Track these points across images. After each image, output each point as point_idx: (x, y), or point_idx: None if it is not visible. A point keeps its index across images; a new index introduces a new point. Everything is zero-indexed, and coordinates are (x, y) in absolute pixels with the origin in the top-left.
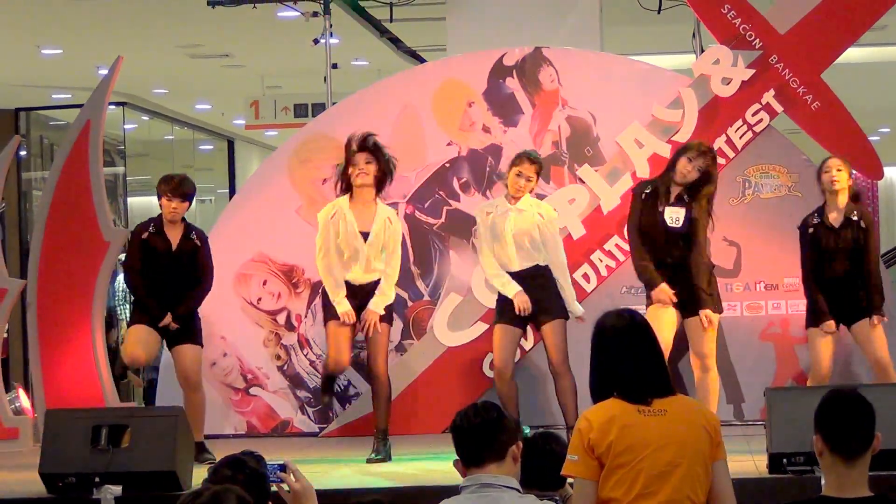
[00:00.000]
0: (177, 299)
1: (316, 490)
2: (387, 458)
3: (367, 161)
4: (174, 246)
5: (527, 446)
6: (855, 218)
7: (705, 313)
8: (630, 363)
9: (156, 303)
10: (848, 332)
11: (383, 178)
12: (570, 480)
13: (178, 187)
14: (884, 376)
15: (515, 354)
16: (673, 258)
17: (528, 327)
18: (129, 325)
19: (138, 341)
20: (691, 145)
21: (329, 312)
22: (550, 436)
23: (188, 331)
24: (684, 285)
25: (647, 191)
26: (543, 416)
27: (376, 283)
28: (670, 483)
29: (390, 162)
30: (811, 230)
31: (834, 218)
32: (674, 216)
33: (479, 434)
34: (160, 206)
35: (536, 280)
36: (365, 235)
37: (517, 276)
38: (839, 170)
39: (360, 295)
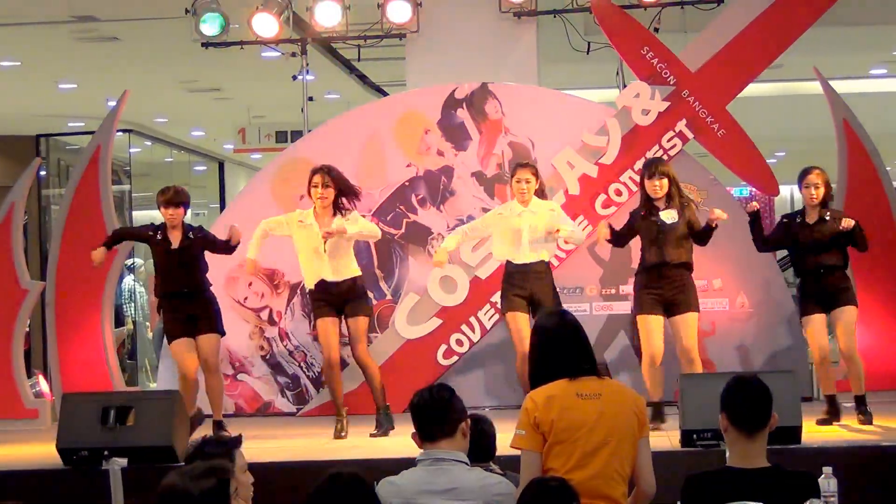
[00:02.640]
0: (188, 291)
1: (295, 462)
2: (387, 431)
3: (326, 185)
4: (175, 245)
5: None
6: (828, 218)
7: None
8: (562, 352)
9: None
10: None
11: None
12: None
13: (174, 197)
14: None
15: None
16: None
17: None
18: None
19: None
20: (646, 167)
21: (316, 312)
22: (479, 417)
23: (208, 320)
24: (674, 286)
25: (641, 212)
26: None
27: (352, 280)
28: (601, 458)
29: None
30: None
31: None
32: (669, 216)
33: (433, 412)
34: (162, 214)
35: (539, 272)
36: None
37: (523, 267)
38: (817, 187)
39: (335, 292)
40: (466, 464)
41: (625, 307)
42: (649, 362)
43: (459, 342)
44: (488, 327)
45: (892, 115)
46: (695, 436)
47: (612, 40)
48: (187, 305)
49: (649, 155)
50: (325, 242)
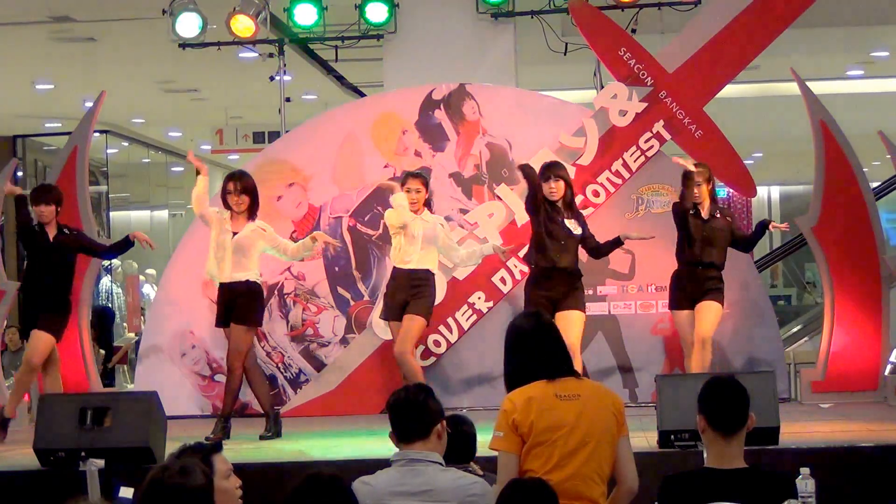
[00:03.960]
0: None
1: (271, 463)
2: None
3: (239, 191)
4: (51, 238)
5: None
6: (718, 215)
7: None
8: (539, 354)
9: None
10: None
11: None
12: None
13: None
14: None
15: None
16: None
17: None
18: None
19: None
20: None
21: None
22: (459, 418)
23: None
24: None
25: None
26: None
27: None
28: (579, 458)
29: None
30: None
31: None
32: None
33: (407, 412)
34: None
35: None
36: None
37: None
38: (699, 185)
39: (227, 294)
40: (441, 464)
41: (602, 308)
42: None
43: (437, 343)
44: (466, 328)
45: (868, 116)
46: (672, 437)
47: (590, 41)
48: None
49: (626, 156)
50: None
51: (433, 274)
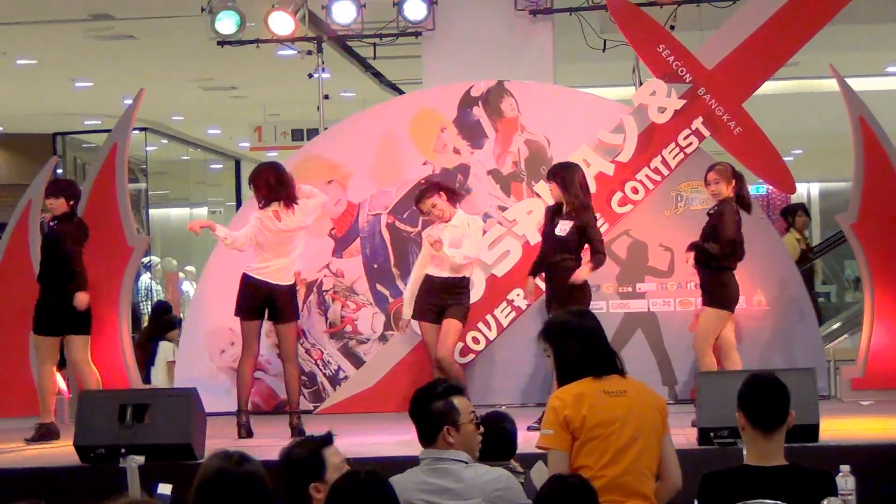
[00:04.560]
0: None
1: None
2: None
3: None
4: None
5: (483, 425)
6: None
7: None
8: (585, 351)
9: None
10: None
11: None
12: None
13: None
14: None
15: None
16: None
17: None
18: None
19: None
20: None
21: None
22: (500, 415)
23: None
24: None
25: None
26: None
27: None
28: (632, 454)
29: None
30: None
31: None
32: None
33: (414, 417)
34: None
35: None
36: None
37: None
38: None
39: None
40: (465, 462)
41: (641, 305)
42: None
43: (476, 340)
44: (505, 325)
45: None
46: (712, 434)
47: (628, 38)
48: None
49: (665, 153)
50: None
51: (469, 279)
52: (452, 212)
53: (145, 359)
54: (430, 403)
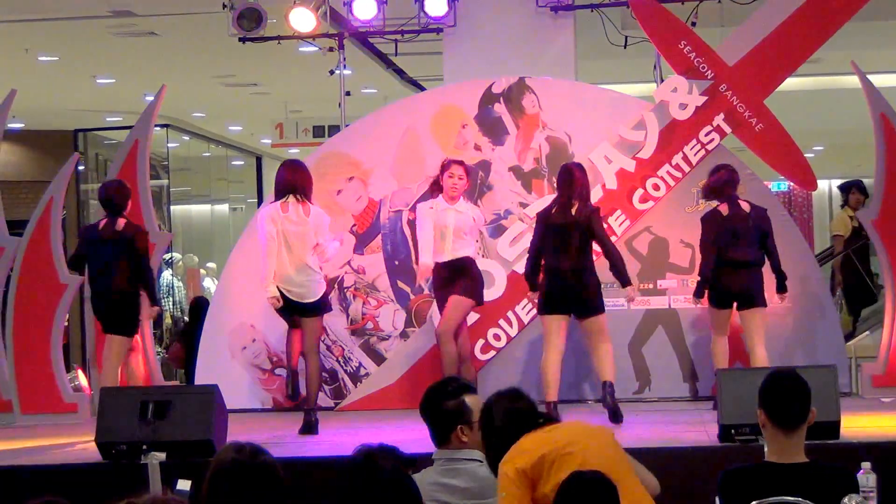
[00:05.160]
0: None
1: (337, 456)
2: None
3: None
4: None
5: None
6: None
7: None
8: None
9: None
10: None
11: None
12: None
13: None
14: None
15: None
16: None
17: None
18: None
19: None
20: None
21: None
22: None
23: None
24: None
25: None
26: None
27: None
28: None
29: None
30: None
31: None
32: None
33: (426, 417)
34: None
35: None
36: None
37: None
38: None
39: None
40: (480, 461)
41: (662, 302)
42: None
43: (497, 337)
44: (526, 322)
45: None
46: (733, 431)
47: (650, 35)
48: None
49: (687, 150)
50: None
51: (472, 259)
52: (465, 190)
53: (187, 355)
54: (443, 403)
